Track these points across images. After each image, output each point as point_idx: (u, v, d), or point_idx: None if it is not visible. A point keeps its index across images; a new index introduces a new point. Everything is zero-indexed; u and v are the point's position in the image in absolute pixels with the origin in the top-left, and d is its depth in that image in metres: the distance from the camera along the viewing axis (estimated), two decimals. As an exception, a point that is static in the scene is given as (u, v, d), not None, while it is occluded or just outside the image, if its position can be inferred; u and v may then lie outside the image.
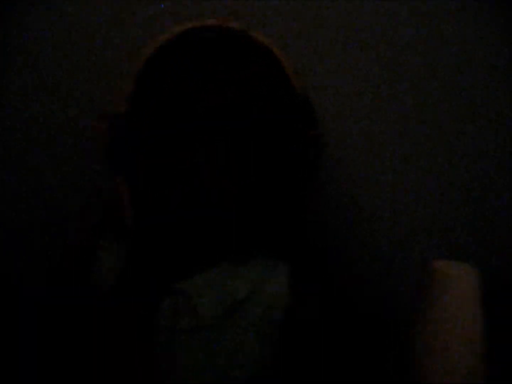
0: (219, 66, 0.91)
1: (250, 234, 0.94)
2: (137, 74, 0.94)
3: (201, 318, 0.90)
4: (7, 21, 1.13)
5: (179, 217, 0.90)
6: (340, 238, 1.16)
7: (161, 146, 0.90)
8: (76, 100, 1.13)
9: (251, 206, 0.92)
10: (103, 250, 0.96)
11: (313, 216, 1.12)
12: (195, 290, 0.91)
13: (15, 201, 1.13)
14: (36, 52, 1.14)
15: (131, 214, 0.94)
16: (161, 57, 0.93)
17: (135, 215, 0.94)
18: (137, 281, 0.93)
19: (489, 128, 1.15)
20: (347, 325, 0.97)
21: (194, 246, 0.92)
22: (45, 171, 1.12)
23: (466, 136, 1.15)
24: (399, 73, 1.15)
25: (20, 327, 1.05)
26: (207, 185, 0.89)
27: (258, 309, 0.92)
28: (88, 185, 1.11)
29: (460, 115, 1.15)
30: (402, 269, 1.16)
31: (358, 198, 1.15)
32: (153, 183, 0.91)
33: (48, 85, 1.14)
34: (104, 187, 1.07)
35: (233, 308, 0.91)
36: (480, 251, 1.15)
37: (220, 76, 0.90)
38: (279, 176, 0.93)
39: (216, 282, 0.92)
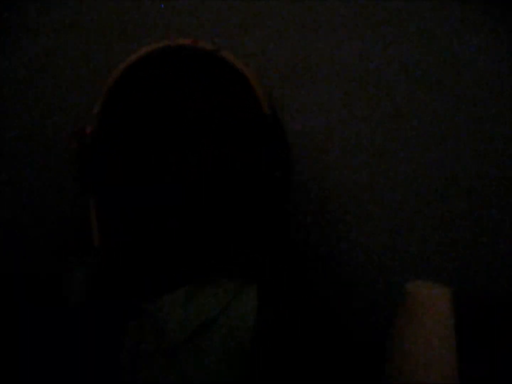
0: (188, 84, 0.91)
1: (218, 255, 0.93)
2: (107, 92, 0.94)
3: (167, 339, 0.90)
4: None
5: (145, 237, 0.90)
6: (316, 259, 1.16)
7: (127, 165, 0.90)
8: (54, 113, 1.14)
9: (219, 225, 0.92)
10: (72, 268, 0.96)
11: (288, 235, 1.13)
12: (162, 312, 0.91)
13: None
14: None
15: (99, 234, 0.94)
16: (132, 75, 0.93)
17: (103, 235, 0.94)
18: (104, 301, 0.93)
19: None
20: (317, 348, 0.97)
21: (161, 266, 0.92)
22: (18, 185, 1.14)
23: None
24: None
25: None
26: (174, 204, 0.89)
27: (224, 331, 0.91)
28: (60, 202, 1.12)
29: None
30: (380, 287, 1.16)
31: (337, 219, 1.16)
32: (119, 203, 0.91)
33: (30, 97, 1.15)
34: (74, 205, 1.08)
35: (199, 329, 0.90)
36: (456, 272, 1.16)
37: (189, 93, 0.90)
38: (246, 193, 0.93)
39: (182, 304, 0.91)
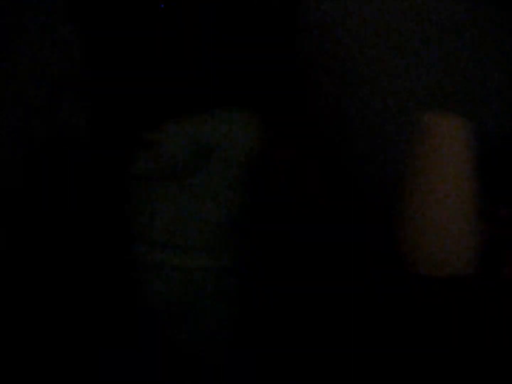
0: None
1: (221, 87, 0.99)
2: None
3: (172, 161, 0.94)
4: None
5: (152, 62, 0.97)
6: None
7: None
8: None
9: (225, 59, 0.98)
10: (67, 104, 1.00)
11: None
12: (165, 138, 0.96)
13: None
14: None
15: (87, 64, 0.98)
16: None
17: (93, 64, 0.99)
18: (108, 134, 0.97)
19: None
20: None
21: (163, 98, 0.97)
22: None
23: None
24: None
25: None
26: (182, 41, 0.96)
27: (226, 154, 0.97)
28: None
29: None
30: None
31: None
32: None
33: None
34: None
35: (201, 152, 0.95)
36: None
37: None
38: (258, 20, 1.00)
39: (185, 131, 0.96)
